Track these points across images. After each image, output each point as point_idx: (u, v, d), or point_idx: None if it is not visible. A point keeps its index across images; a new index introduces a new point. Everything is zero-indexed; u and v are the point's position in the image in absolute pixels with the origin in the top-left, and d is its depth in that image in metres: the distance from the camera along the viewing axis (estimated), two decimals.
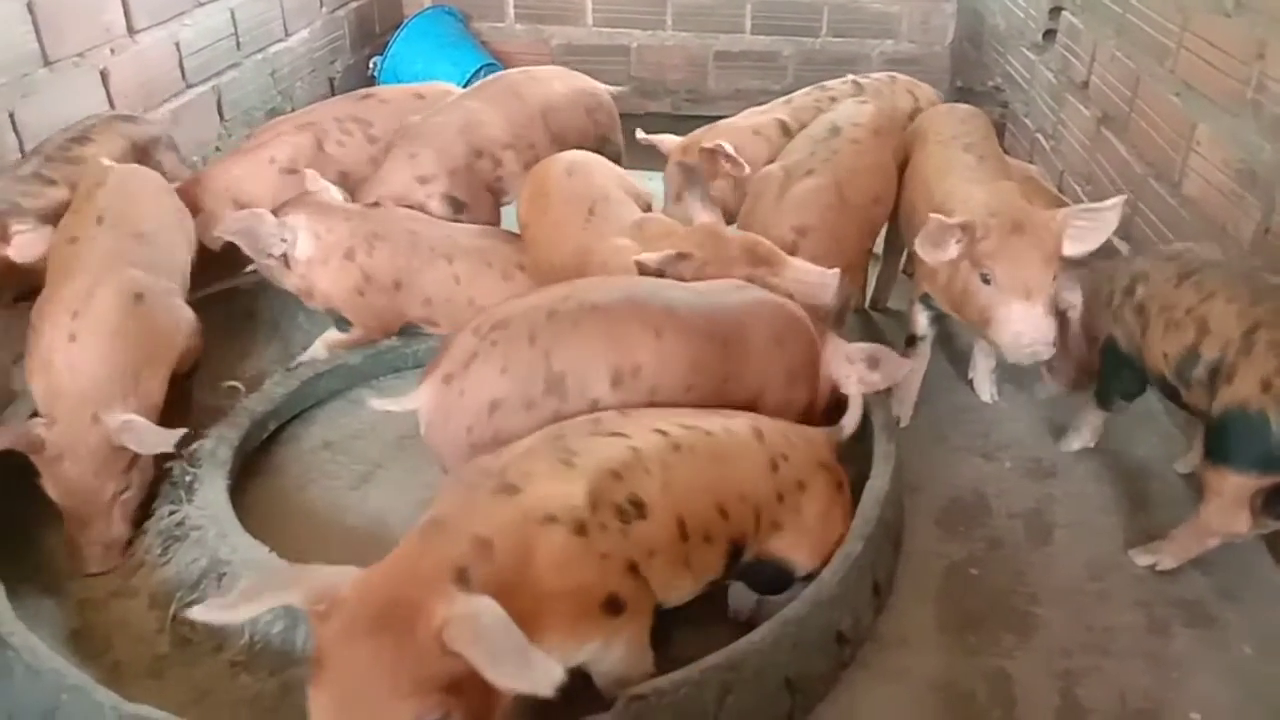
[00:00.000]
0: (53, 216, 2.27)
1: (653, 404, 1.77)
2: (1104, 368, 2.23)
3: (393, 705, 1.08)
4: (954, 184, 2.31)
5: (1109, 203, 2.05)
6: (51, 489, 1.92)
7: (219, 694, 1.72)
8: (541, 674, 1.08)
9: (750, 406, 1.86)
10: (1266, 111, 2.18)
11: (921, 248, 2.05)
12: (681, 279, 1.99)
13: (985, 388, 2.57)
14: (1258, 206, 2.19)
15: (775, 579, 1.75)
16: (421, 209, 2.58)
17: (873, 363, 2.01)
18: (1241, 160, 2.26)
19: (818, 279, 2.07)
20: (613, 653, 1.44)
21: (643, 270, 2.00)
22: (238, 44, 3.53)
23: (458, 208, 2.65)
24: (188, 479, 2.02)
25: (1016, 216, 2.05)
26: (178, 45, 3.22)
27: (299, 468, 2.30)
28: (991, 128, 2.64)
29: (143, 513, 2.02)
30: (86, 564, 1.94)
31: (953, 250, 2.04)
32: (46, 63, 2.64)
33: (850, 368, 2.01)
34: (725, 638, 1.62)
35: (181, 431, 1.95)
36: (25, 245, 2.20)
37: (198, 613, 1.24)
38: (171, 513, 1.95)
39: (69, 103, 2.71)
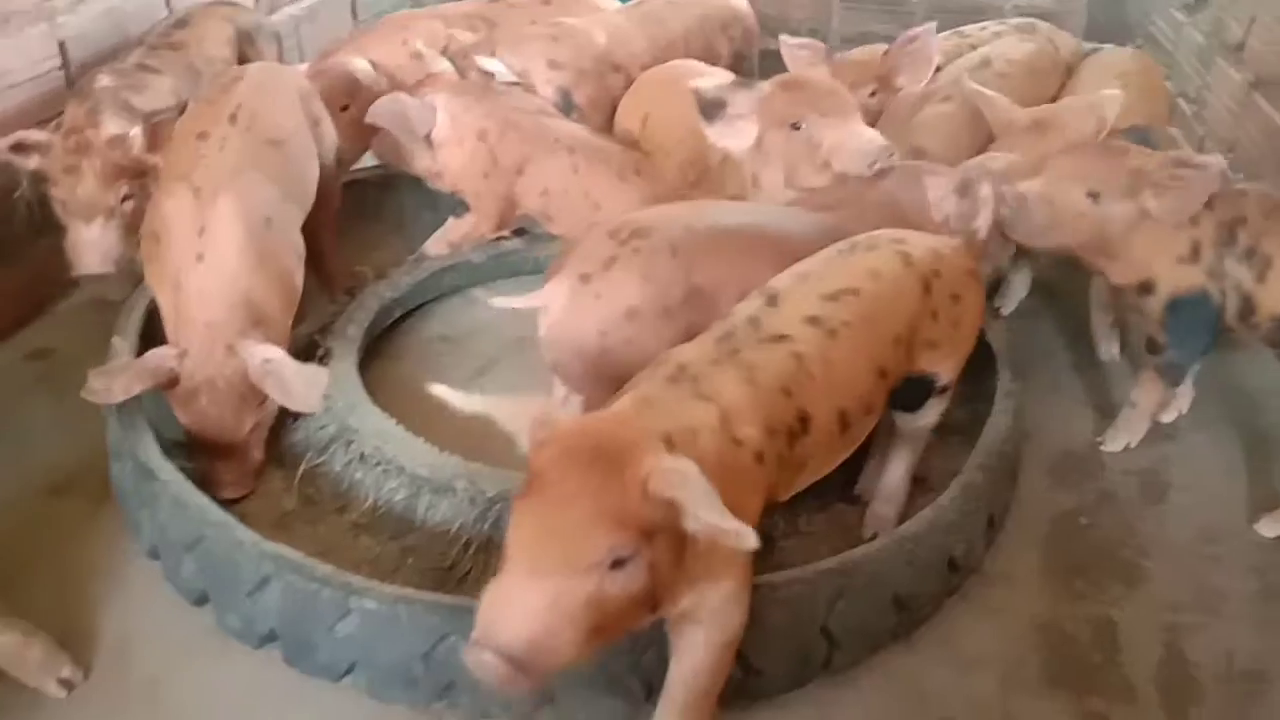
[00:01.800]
0: (164, 107, 2.25)
1: None
2: (1186, 330, 2.01)
3: (590, 531, 1.15)
4: None
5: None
6: (186, 421, 1.84)
7: (340, 553, 1.79)
8: (738, 527, 1.15)
9: None
10: None
11: None
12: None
13: (1105, 344, 2.52)
14: None
15: (913, 395, 1.73)
16: (532, 90, 2.60)
17: (963, 189, 1.97)
18: None
19: (856, 143, 2.04)
20: (713, 633, 1.40)
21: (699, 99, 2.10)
22: None
23: (567, 107, 2.67)
24: (319, 353, 2.09)
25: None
26: None
27: (417, 357, 2.36)
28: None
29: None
30: (221, 490, 1.83)
31: None
32: None
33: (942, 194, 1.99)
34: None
35: (326, 377, 1.85)
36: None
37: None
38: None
39: None
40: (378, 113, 2.35)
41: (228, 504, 1.85)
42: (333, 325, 2.17)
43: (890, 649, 1.70)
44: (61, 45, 2.37)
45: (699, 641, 1.36)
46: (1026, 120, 2.26)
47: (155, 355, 1.81)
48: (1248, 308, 1.95)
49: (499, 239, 2.56)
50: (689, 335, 1.65)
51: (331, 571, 1.51)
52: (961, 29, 3.01)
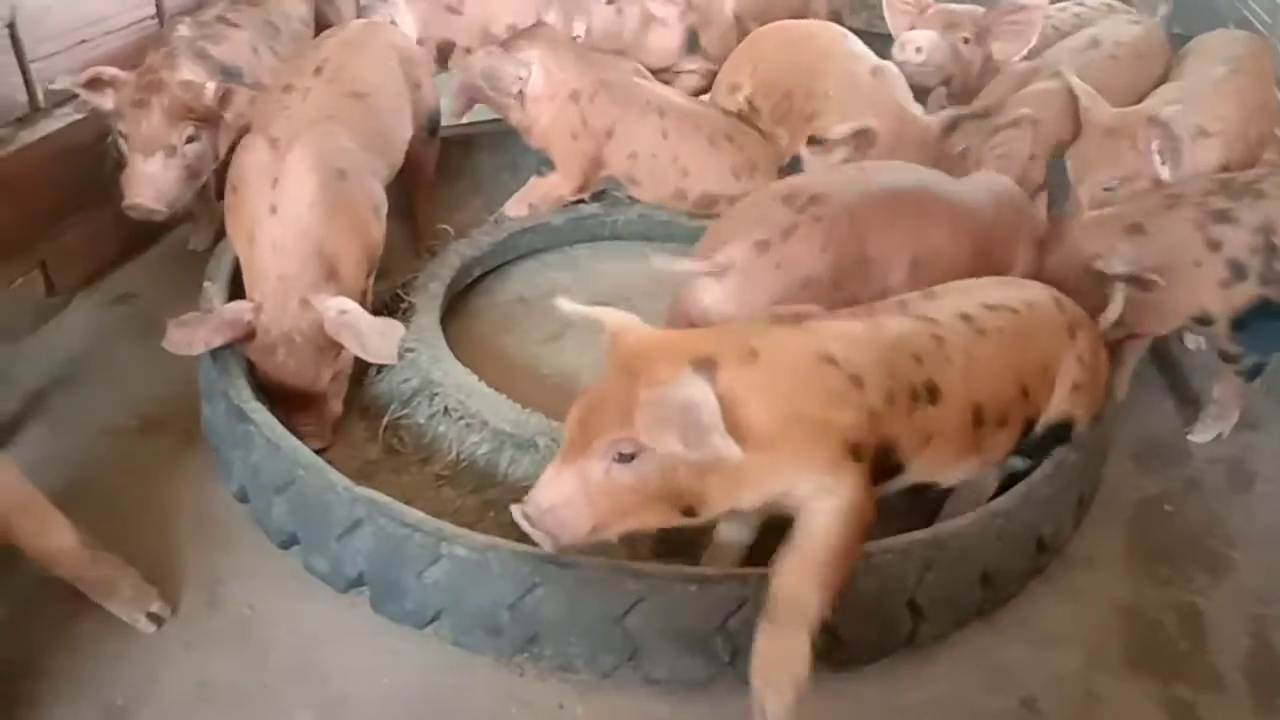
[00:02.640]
0: (240, 60, 2.27)
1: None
2: (1257, 338, 1.97)
3: (603, 427, 1.34)
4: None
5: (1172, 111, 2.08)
6: (265, 372, 1.84)
7: (422, 503, 1.77)
8: (721, 446, 1.27)
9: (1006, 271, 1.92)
10: None
11: None
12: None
13: (1188, 334, 2.46)
14: None
15: (1054, 440, 1.74)
16: (659, 23, 2.64)
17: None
18: None
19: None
20: (824, 504, 1.41)
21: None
22: None
23: (692, 45, 2.69)
24: (403, 306, 2.11)
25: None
26: None
27: (496, 316, 2.37)
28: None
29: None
30: (305, 437, 1.79)
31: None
32: None
33: None
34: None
35: (402, 330, 1.84)
36: (237, 105, 2.12)
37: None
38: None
39: None
40: (471, 71, 2.35)
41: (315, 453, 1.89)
42: (416, 281, 2.18)
43: (973, 626, 1.68)
44: None
45: (813, 511, 1.41)
46: (1106, 122, 2.20)
47: (232, 309, 1.82)
48: None
49: (578, 202, 2.55)
50: (847, 304, 1.66)
51: (423, 518, 1.52)
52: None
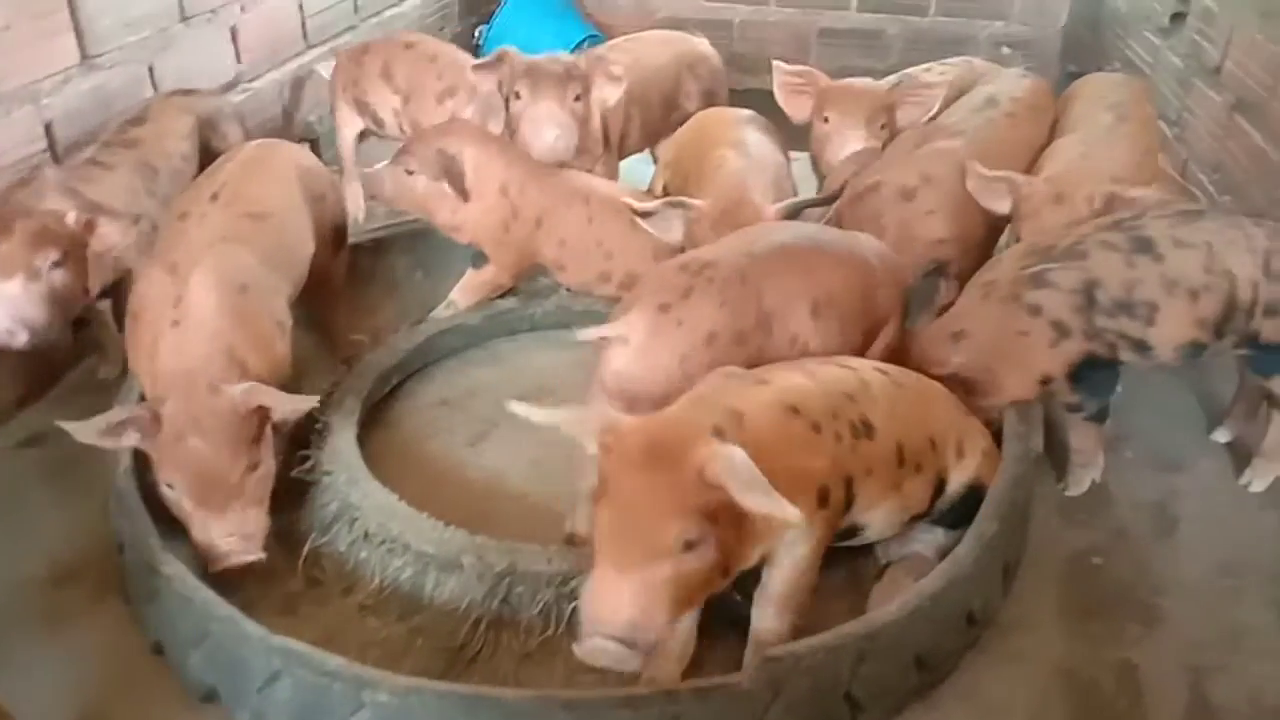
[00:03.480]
0: (113, 199, 2.18)
1: (843, 331, 1.92)
2: (1091, 386, 2.05)
3: (661, 523, 1.32)
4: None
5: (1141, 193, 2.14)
6: (175, 475, 1.72)
7: (347, 635, 1.76)
8: (785, 505, 1.31)
9: (881, 324, 2.06)
10: None
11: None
12: None
13: None
14: None
15: (970, 507, 1.81)
16: None
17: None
18: None
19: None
20: (796, 551, 1.57)
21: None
22: (355, 7, 3.59)
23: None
24: (318, 426, 2.07)
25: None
26: (301, 6, 3.29)
27: (418, 422, 2.34)
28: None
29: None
30: (225, 557, 1.73)
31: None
32: (184, 18, 2.71)
33: None
34: (844, 614, 1.66)
35: (315, 400, 1.86)
36: (106, 236, 2.07)
37: (518, 408, 1.52)
38: (303, 458, 2.00)
39: (201, 57, 2.80)
40: (419, 159, 2.37)
41: (233, 589, 1.83)
42: (331, 397, 2.15)
43: (912, 708, 1.67)
44: (48, 126, 2.36)
45: (786, 557, 1.56)
46: (1050, 191, 2.23)
47: (137, 406, 1.75)
48: (1144, 347, 1.98)
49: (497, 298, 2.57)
50: (758, 360, 1.80)
51: (342, 664, 1.47)
52: (909, 71, 3.03)
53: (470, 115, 2.68)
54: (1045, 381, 2.01)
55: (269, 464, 1.82)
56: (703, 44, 3.27)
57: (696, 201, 2.28)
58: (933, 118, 2.66)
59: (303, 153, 2.36)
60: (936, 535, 1.87)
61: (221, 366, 1.78)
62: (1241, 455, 2.27)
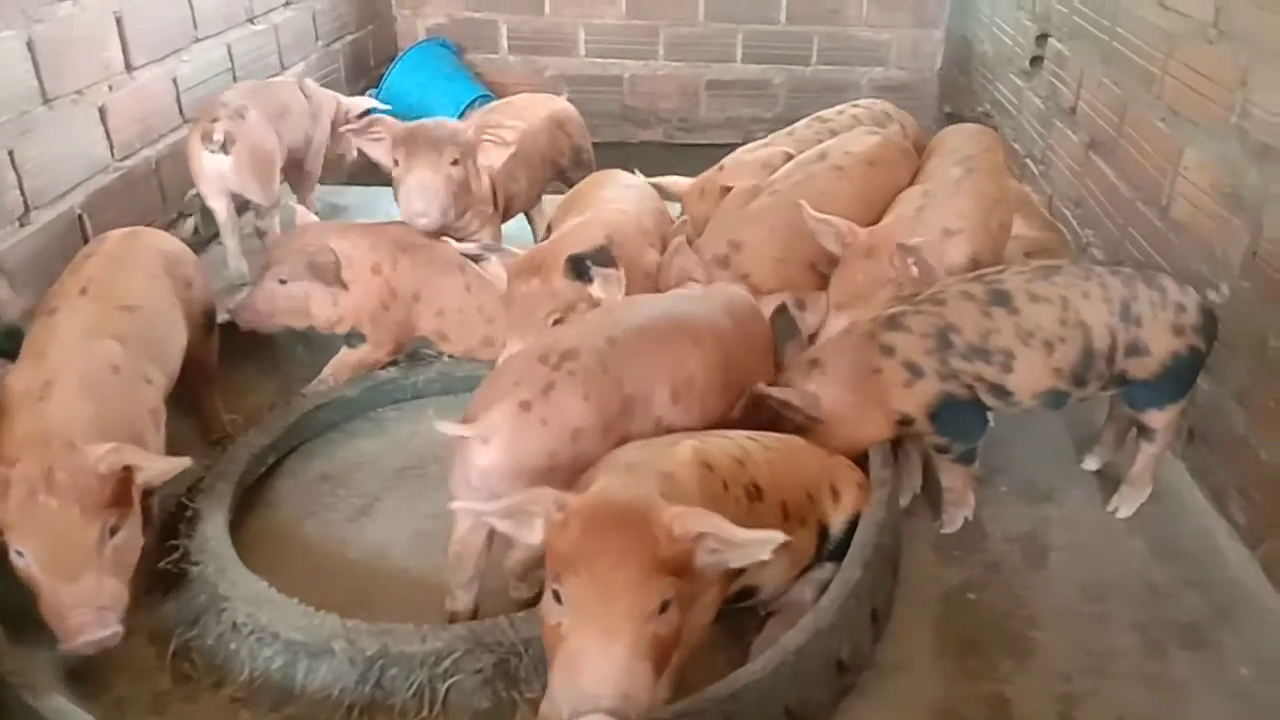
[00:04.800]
0: None
1: (704, 409, 1.93)
2: (954, 428, 2.10)
3: (640, 588, 1.32)
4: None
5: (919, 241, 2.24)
6: (25, 540, 1.62)
7: None
8: (763, 534, 1.37)
9: (747, 384, 2.06)
10: (1251, 137, 2.21)
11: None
12: None
13: None
14: (1245, 230, 2.22)
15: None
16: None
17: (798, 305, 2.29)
18: (1228, 184, 2.30)
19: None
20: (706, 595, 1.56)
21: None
22: (234, 78, 3.57)
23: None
24: (187, 514, 2.02)
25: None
26: (175, 81, 3.25)
27: (297, 501, 2.30)
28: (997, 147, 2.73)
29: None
30: (78, 632, 1.61)
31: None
32: (45, 100, 2.66)
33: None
34: (725, 668, 1.64)
35: (187, 460, 1.78)
36: None
37: (458, 505, 1.58)
38: (171, 548, 1.95)
39: (68, 140, 2.74)
40: (288, 266, 2.36)
41: (103, 688, 1.78)
42: (201, 483, 2.11)
43: None
44: None
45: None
46: (864, 244, 2.32)
47: None
48: (1003, 392, 2.06)
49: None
50: (623, 443, 1.79)
51: None
52: (822, 114, 3.13)
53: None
54: (904, 421, 2.06)
55: (133, 534, 1.72)
56: (565, 102, 3.41)
57: (513, 248, 2.35)
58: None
59: (166, 239, 2.34)
60: (825, 571, 1.89)
61: (83, 435, 1.69)
62: (1110, 483, 2.36)
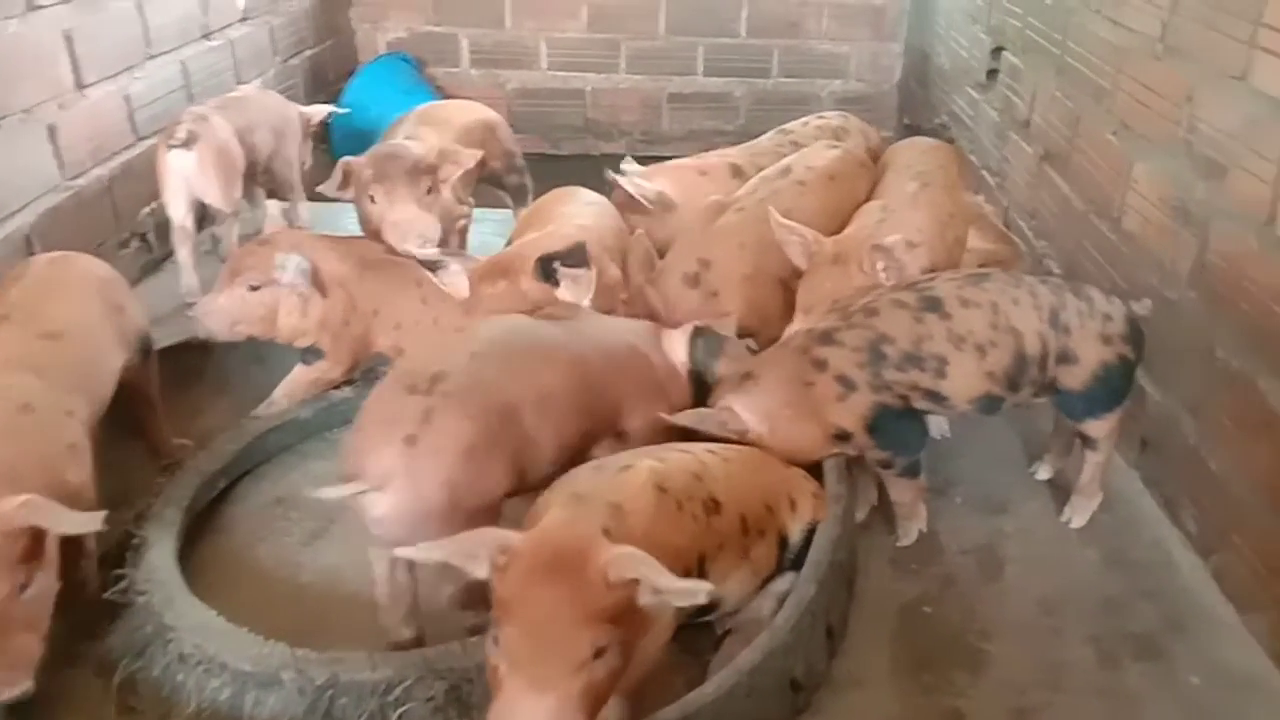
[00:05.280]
0: None
1: (559, 429, 1.89)
2: (892, 439, 2.10)
3: (572, 636, 1.31)
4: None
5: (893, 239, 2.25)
6: None
7: None
8: (691, 585, 1.36)
9: (615, 413, 2.05)
10: (1197, 151, 2.24)
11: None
12: None
13: (934, 423, 2.60)
14: (1193, 242, 2.25)
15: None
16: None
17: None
18: (1177, 198, 2.33)
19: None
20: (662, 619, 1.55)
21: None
22: (189, 95, 3.53)
23: None
24: (134, 542, 1.99)
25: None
26: (128, 99, 3.21)
27: (250, 525, 2.27)
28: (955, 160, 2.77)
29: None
30: None
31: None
32: None
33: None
34: (683, 688, 1.64)
35: (99, 517, 1.67)
36: None
37: (403, 552, 1.47)
38: (118, 577, 1.91)
39: (17, 158, 2.70)
40: (259, 271, 2.32)
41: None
42: (148, 510, 2.07)
43: None
44: None
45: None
46: (830, 252, 2.34)
47: None
48: (938, 397, 2.07)
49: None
50: (516, 459, 1.80)
51: None
52: (785, 126, 3.15)
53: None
54: (841, 436, 2.06)
55: (48, 584, 1.67)
56: (490, 109, 3.50)
57: (473, 256, 2.34)
58: None
59: (98, 264, 2.28)
60: (784, 583, 1.89)
61: None
62: (1062, 492, 2.38)
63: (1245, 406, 2.03)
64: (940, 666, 1.93)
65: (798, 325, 2.27)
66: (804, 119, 3.22)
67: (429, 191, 2.61)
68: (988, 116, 3.71)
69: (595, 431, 2.01)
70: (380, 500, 1.70)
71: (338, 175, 2.62)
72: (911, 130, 4.57)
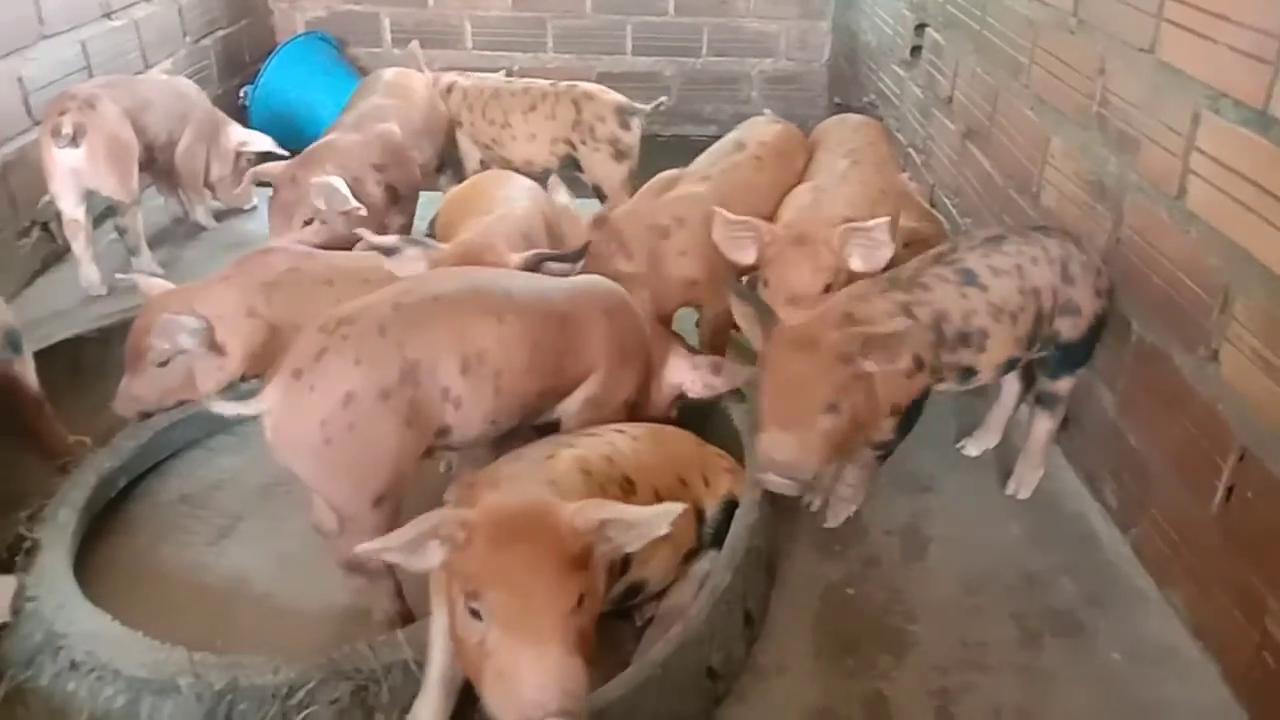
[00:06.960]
0: None
1: (498, 388, 1.85)
2: (912, 421, 2.08)
3: (559, 581, 1.33)
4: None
5: (876, 222, 2.17)
6: None
7: None
8: (660, 512, 1.40)
9: (579, 373, 2.01)
10: (1110, 125, 2.24)
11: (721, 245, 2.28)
12: None
13: None
14: (1108, 217, 2.25)
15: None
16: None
17: (715, 368, 2.22)
18: (1091, 172, 2.33)
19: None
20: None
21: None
22: (91, 78, 3.37)
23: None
24: (25, 545, 1.89)
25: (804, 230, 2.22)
26: (21, 81, 3.06)
27: (153, 524, 2.18)
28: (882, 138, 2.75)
29: None
30: None
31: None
32: None
33: (694, 373, 2.22)
34: (601, 682, 1.58)
35: (13, 584, 1.66)
36: None
37: (364, 548, 1.40)
38: None
39: None
40: (156, 349, 2.16)
41: None
42: (41, 512, 1.97)
43: None
44: None
45: None
46: (793, 233, 2.26)
47: None
48: (971, 373, 2.06)
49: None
50: (411, 413, 1.76)
51: None
52: None
53: None
54: (895, 411, 2.00)
55: None
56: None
57: (438, 244, 2.24)
58: None
59: None
60: (705, 563, 1.87)
61: None
62: (987, 469, 2.38)
63: (1160, 380, 2.04)
64: (863, 649, 1.92)
65: (791, 319, 2.20)
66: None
67: (307, 223, 2.69)
68: (912, 94, 3.70)
69: (558, 389, 1.99)
70: (267, 426, 1.76)
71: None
72: (842, 109, 4.56)
